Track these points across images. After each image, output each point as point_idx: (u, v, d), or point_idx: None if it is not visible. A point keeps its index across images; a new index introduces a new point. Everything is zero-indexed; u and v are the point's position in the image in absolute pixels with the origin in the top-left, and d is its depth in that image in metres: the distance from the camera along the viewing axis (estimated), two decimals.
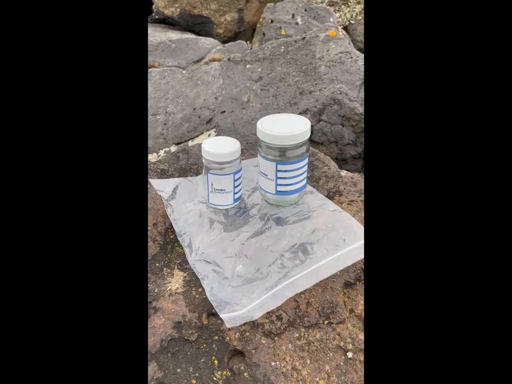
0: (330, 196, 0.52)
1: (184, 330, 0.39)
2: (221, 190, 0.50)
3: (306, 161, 0.48)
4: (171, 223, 0.52)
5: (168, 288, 0.43)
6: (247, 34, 1.11)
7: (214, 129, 0.85)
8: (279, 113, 0.73)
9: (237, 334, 0.39)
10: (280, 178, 0.48)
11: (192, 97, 0.92)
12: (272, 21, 0.98)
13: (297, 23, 0.96)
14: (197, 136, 0.86)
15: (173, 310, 0.40)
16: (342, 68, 0.77)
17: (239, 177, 0.50)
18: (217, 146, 0.49)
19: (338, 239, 0.45)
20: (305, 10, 0.98)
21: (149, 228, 0.49)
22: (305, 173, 0.49)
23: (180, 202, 0.55)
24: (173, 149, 0.88)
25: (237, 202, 0.52)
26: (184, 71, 0.99)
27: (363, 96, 0.75)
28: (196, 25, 1.12)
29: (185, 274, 0.45)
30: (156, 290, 0.43)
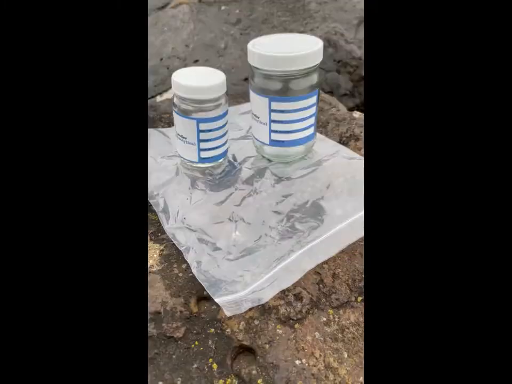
0: (343, 142, 0.41)
1: (166, 323, 0.27)
2: (182, 137, 0.37)
3: (315, 99, 0.36)
4: None
5: None
6: None
7: None
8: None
9: (242, 323, 0.27)
10: (274, 122, 0.36)
11: (158, 45, 0.76)
12: None
13: None
14: (166, 91, 0.72)
15: (148, 296, 0.28)
16: (336, 5, 0.65)
17: (220, 126, 0.37)
18: (192, 79, 0.36)
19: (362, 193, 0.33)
20: None
21: None
22: (314, 116, 0.37)
23: (149, 158, 0.41)
24: None
25: (221, 160, 0.39)
26: (148, 17, 0.83)
27: (361, 37, 0.64)
28: None
29: (161, 247, 0.33)
30: None
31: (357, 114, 0.43)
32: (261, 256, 0.31)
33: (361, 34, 0.64)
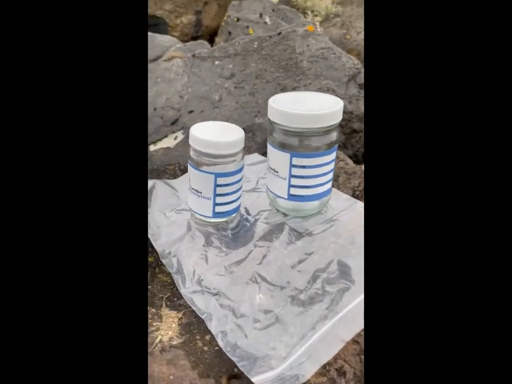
0: (357, 196, 0.40)
1: None
2: (197, 191, 0.35)
3: (334, 155, 0.35)
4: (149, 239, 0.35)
5: (157, 340, 0.26)
6: (204, 40, 0.98)
7: (182, 131, 0.69)
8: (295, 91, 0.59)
9: None
10: (295, 176, 0.34)
11: (152, 96, 0.75)
12: (238, 20, 0.86)
13: (265, 23, 0.86)
14: (160, 140, 0.69)
15: (171, 377, 0.24)
16: (326, 64, 0.67)
17: (237, 181, 0.35)
18: (211, 133, 0.34)
19: None
20: (273, 10, 0.88)
21: None
22: (332, 173, 0.36)
23: (156, 211, 0.38)
24: None
25: (232, 216, 0.37)
26: None
27: (351, 93, 0.66)
28: (149, 27, 0.97)
29: (179, 315, 0.29)
30: None
31: None
32: (292, 323, 0.27)
33: (351, 90, 0.66)
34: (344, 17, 1.14)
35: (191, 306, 0.29)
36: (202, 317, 0.28)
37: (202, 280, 0.31)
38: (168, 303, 0.29)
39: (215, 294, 0.30)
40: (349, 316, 0.27)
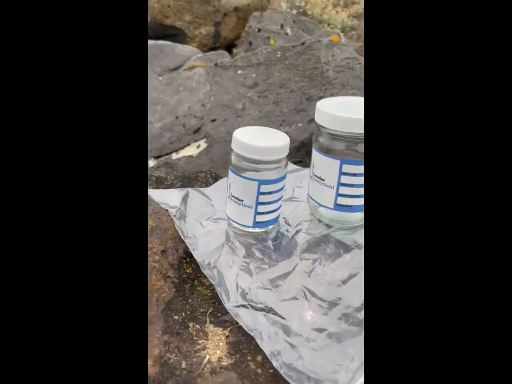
0: None
1: None
2: (238, 199, 0.33)
3: None
4: (185, 248, 0.33)
5: (205, 360, 0.24)
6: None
7: (204, 140, 0.67)
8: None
9: None
10: (344, 185, 0.32)
11: (174, 104, 0.74)
12: (259, 30, 0.86)
13: (286, 34, 0.85)
14: (183, 148, 0.68)
15: None
16: (352, 74, 0.66)
17: (280, 189, 0.33)
18: (256, 139, 0.32)
19: None
20: (294, 22, 0.88)
21: (156, 258, 0.30)
22: None
23: (192, 220, 0.36)
24: (151, 163, 0.68)
25: (271, 226, 0.35)
26: (160, 78, 0.81)
27: None
28: (167, 37, 0.97)
29: (226, 332, 0.26)
30: (183, 365, 0.23)
31: None
32: (351, 345, 0.25)
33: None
34: (360, 30, 1.14)
35: (238, 322, 0.27)
36: (251, 333, 0.26)
37: (247, 293, 0.29)
38: (212, 319, 0.27)
39: (262, 310, 0.28)
40: None
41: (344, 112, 0.31)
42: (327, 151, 0.32)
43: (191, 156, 0.65)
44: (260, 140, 0.32)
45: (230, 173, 0.33)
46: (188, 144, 0.67)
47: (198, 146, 0.67)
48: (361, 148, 0.31)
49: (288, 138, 0.33)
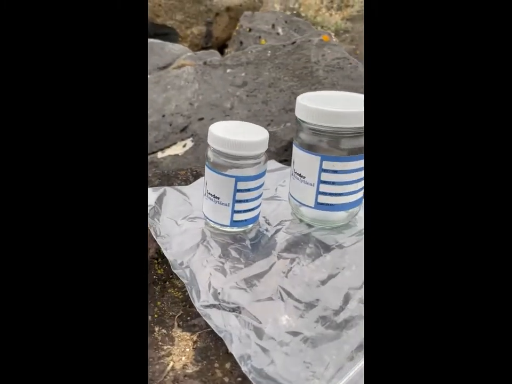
0: None
1: None
2: (214, 196, 0.31)
3: None
4: (157, 248, 0.31)
5: (169, 367, 0.22)
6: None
7: (191, 139, 0.66)
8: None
9: None
10: (324, 182, 0.31)
11: (161, 102, 0.73)
12: (250, 30, 0.84)
13: (278, 34, 0.84)
14: (169, 147, 0.66)
15: None
16: (343, 73, 0.65)
17: (259, 186, 0.32)
18: (233, 133, 0.30)
19: None
20: (286, 22, 0.87)
21: None
22: (362, 180, 0.32)
23: (167, 219, 0.34)
24: None
25: (250, 226, 0.33)
26: (149, 76, 0.80)
27: None
28: (158, 36, 0.95)
29: (194, 337, 0.24)
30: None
31: None
32: (327, 350, 0.23)
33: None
34: (353, 33, 1.13)
35: (208, 322, 0.25)
36: (221, 335, 0.24)
37: (219, 293, 0.27)
38: (180, 323, 0.25)
39: (234, 310, 0.26)
40: None
41: (325, 106, 0.29)
42: (308, 147, 0.31)
43: (177, 155, 0.63)
44: (237, 134, 0.30)
45: (206, 169, 0.31)
46: (174, 143, 0.66)
47: (184, 145, 0.65)
48: (344, 143, 0.30)
49: (267, 133, 0.31)
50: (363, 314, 0.25)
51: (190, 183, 0.41)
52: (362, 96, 0.33)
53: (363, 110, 0.29)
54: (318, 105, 0.29)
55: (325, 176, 0.30)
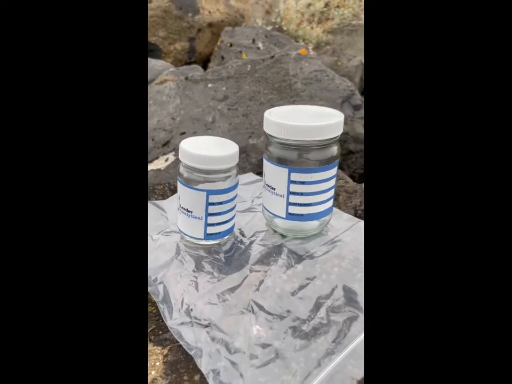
0: (359, 216, 0.37)
1: None
2: (187, 210, 0.32)
3: (335, 171, 0.32)
4: None
5: None
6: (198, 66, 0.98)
7: (173, 153, 0.66)
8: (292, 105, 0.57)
9: None
10: (294, 194, 0.31)
11: None
12: (231, 45, 0.86)
13: (258, 48, 0.85)
14: (151, 162, 0.67)
15: None
16: (320, 86, 0.66)
17: (231, 199, 0.32)
18: (203, 148, 0.31)
19: None
20: (266, 36, 0.89)
21: None
22: (333, 190, 0.33)
23: None
24: None
25: (228, 236, 0.34)
26: None
27: (346, 114, 0.64)
28: None
29: (164, 351, 0.25)
30: None
31: None
32: (295, 359, 0.24)
33: (345, 111, 0.65)
34: (334, 45, 1.16)
35: (179, 340, 0.25)
36: (191, 353, 0.24)
37: (191, 310, 0.27)
38: (152, 337, 0.26)
39: (206, 326, 0.26)
40: (359, 350, 0.24)
41: (292, 120, 0.30)
42: (277, 160, 0.31)
43: (159, 169, 0.63)
44: (208, 149, 0.31)
45: (178, 184, 0.32)
46: (156, 158, 0.66)
47: (167, 160, 0.66)
48: (313, 155, 0.31)
49: (237, 147, 0.32)
50: (331, 322, 0.26)
51: (168, 197, 0.41)
52: (327, 109, 0.34)
53: (328, 123, 0.30)
54: (285, 120, 0.30)
55: (294, 188, 0.31)
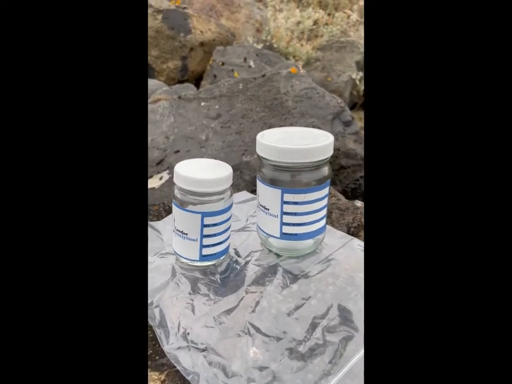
0: (352, 233, 0.37)
1: None
2: (182, 233, 0.32)
3: (326, 191, 0.33)
4: None
5: None
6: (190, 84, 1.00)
7: (167, 171, 0.67)
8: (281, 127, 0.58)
9: None
10: (287, 214, 0.32)
11: None
12: (223, 64, 0.88)
13: (250, 66, 0.87)
14: None
15: None
16: (311, 103, 0.68)
17: (226, 220, 0.33)
18: (197, 171, 0.31)
19: None
20: (257, 55, 0.91)
21: None
22: (325, 209, 0.34)
23: None
24: None
25: (223, 256, 0.34)
26: None
27: (337, 130, 0.66)
28: None
29: (162, 376, 0.24)
30: None
31: (359, 203, 0.40)
32: (292, 382, 0.24)
33: (336, 128, 0.66)
34: (324, 62, 1.18)
35: (176, 365, 0.25)
36: (189, 378, 0.24)
37: (188, 333, 0.27)
38: (149, 363, 0.25)
39: (203, 350, 0.26)
40: (355, 370, 0.24)
41: (284, 143, 0.31)
42: (270, 181, 0.32)
43: (153, 188, 0.64)
44: (201, 172, 0.31)
45: (173, 206, 0.32)
46: (151, 176, 0.66)
47: (161, 178, 0.66)
48: (305, 176, 0.31)
49: (231, 169, 0.32)
50: (327, 342, 0.26)
51: (163, 217, 0.41)
52: (318, 131, 0.34)
53: (319, 145, 0.31)
54: (277, 143, 0.31)
55: (287, 208, 0.31)
